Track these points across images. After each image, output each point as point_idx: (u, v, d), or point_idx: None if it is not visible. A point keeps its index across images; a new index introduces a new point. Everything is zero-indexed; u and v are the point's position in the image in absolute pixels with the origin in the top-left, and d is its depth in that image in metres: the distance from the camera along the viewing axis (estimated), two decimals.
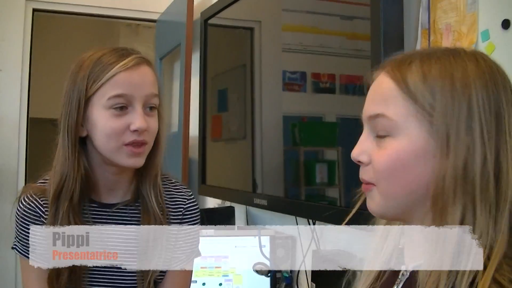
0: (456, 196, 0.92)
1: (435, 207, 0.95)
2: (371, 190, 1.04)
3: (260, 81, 2.91)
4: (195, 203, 1.74)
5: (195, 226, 1.70)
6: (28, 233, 1.59)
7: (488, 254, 0.89)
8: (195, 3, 3.93)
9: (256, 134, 2.91)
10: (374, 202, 1.04)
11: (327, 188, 2.42)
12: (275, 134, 2.76)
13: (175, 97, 4.35)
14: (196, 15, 3.87)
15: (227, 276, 2.55)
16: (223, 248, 2.56)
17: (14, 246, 1.63)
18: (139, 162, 1.57)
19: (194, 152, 3.84)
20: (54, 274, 1.55)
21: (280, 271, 2.63)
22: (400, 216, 1.04)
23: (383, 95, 1.02)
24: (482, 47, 1.64)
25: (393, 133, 0.99)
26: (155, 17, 4.71)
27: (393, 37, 1.81)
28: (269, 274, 2.49)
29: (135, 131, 1.52)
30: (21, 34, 4.37)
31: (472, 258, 0.89)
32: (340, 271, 1.99)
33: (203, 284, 2.53)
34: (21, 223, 1.61)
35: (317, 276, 2.25)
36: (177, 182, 1.76)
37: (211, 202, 3.68)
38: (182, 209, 1.69)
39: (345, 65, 2.27)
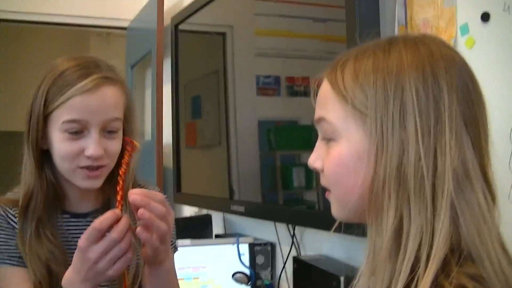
0: (390, 198, 0.89)
1: (371, 211, 0.93)
2: (330, 197, 1.02)
3: (234, 86, 2.88)
4: (166, 199, 1.69)
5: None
6: (3, 239, 1.53)
7: (427, 253, 0.86)
8: (165, 8, 3.86)
9: (231, 140, 2.88)
10: (334, 208, 1.02)
11: (305, 192, 2.39)
12: (250, 139, 2.73)
13: (147, 105, 4.31)
14: (167, 21, 3.82)
15: (205, 287, 2.50)
16: (200, 258, 2.52)
17: None
18: (96, 184, 1.51)
19: (168, 160, 3.80)
20: (41, 276, 1.49)
21: (261, 279, 2.59)
22: (360, 220, 1.00)
23: (323, 99, 1.00)
24: (462, 42, 1.62)
25: (336, 137, 0.97)
26: (125, 24, 4.66)
27: (369, 36, 1.80)
28: (249, 283, 2.45)
29: (89, 157, 1.46)
30: None
31: (406, 261, 0.87)
32: (322, 276, 1.97)
33: None
34: None
35: (299, 282, 2.21)
36: (144, 185, 1.70)
37: (188, 211, 3.65)
38: None
39: (320, 68, 2.24)
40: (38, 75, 1.55)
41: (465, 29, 1.61)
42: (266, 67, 2.62)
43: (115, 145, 1.52)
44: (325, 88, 0.99)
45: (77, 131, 1.46)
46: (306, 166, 2.15)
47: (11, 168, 1.62)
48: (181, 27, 3.55)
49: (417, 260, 0.86)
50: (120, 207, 1.34)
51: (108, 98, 1.49)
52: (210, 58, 3.25)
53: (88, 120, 1.45)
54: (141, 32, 4.31)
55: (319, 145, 1.02)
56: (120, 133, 1.55)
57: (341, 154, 0.95)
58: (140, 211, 1.28)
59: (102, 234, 1.28)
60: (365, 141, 0.92)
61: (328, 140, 0.98)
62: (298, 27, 2.35)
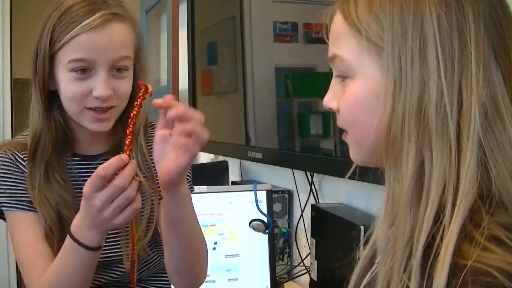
0: (410, 139, 0.83)
1: (389, 154, 0.86)
2: (347, 139, 0.97)
3: (251, 33, 2.84)
4: None
5: None
6: (13, 183, 1.53)
7: (453, 200, 0.79)
8: None
9: (248, 87, 2.85)
10: (352, 151, 0.97)
11: (323, 140, 2.38)
12: (267, 86, 2.71)
13: (163, 51, 4.28)
14: None
15: (222, 234, 2.50)
16: (216, 205, 2.50)
17: (1, 206, 1.55)
18: (105, 127, 1.49)
19: None
20: (51, 221, 1.49)
21: (278, 227, 2.60)
22: (378, 164, 0.93)
23: (336, 34, 0.94)
24: None
25: (351, 74, 0.91)
26: None
27: None
28: (266, 231, 2.45)
29: (97, 97, 1.44)
30: None
31: (429, 209, 0.80)
32: (341, 225, 1.97)
33: None
34: (2, 177, 1.54)
35: (317, 231, 2.21)
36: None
37: (204, 157, 3.65)
38: None
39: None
40: None
41: None
42: (283, 13, 2.58)
43: (124, 85, 1.49)
44: (338, 21, 0.92)
45: (84, 70, 1.43)
46: (323, 113, 2.14)
47: (26, 116, 1.60)
48: None
49: (441, 208, 0.80)
50: (128, 151, 1.30)
51: (116, 35, 1.45)
52: (226, 3, 3.21)
53: (95, 58, 1.42)
54: None
55: (334, 83, 0.97)
56: (130, 72, 1.52)
57: (357, 92, 0.90)
58: (171, 111, 1.21)
59: (107, 180, 1.25)
60: (382, 77, 0.86)
61: (343, 78, 0.93)
62: None
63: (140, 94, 1.34)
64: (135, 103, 1.34)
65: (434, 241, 0.79)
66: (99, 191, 1.25)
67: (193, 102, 3.52)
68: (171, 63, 3.85)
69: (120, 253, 1.58)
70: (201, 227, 1.52)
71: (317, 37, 2.26)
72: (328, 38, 0.97)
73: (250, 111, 2.87)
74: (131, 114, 1.33)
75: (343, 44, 0.91)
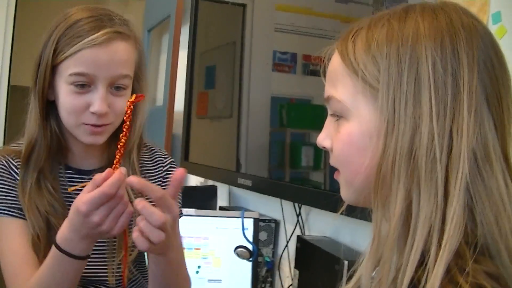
0: (399, 180, 0.83)
1: (377, 193, 0.86)
2: (339, 178, 0.97)
3: (250, 59, 2.86)
4: (174, 163, 1.72)
5: None
6: (4, 190, 1.53)
7: (438, 243, 0.79)
8: None
9: (242, 113, 2.86)
10: (342, 190, 0.98)
11: (313, 172, 2.38)
12: (262, 114, 2.72)
13: (162, 70, 4.30)
14: None
15: (206, 258, 2.50)
16: (203, 229, 2.51)
17: None
18: (99, 140, 1.50)
19: (178, 127, 3.79)
20: (39, 229, 1.49)
21: (262, 256, 2.59)
22: (369, 204, 0.92)
23: (332, 74, 0.95)
24: (493, 30, 1.55)
25: (345, 115, 0.92)
26: None
27: None
28: (250, 259, 2.45)
29: (93, 113, 1.45)
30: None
31: (414, 250, 0.80)
32: (325, 259, 1.97)
33: None
34: None
35: (301, 262, 2.21)
36: (155, 148, 1.72)
37: (193, 180, 3.65)
38: (161, 171, 1.68)
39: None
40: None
41: (497, 17, 1.56)
42: (283, 43, 2.59)
43: (121, 102, 1.49)
44: (335, 61, 0.94)
45: (84, 84, 1.44)
46: (315, 146, 2.15)
47: (21, 123, 1.60)
48: None
49: (427, 250, 0.80)
50: (118, 165, 1.31)
51: (119, 53, 1.47)
52: (228, 29, 3.23)
53: (95, 74, 1.43)
54: None
55: (329, 123, 0.97)
56: (129, 91, 1.53)
57: (351, 133, 0.90)
58: (138, 202, 1.24)
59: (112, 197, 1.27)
60: (376, 118, 0.86)
61: (338, 117, 0.93)
62: (319, 6, 2.33)
63: (128, 101, 1.36)
64: (125, 116, 1.35)
65: (419, 284, 0.79)
66: (98, 208, 1.26)
67: (187, 124, 3.52)
68: (169, 83, 3.86)
69: (105, 269, 1.58)
70: (185, 249, 1.54)
71: (315, 69, 2.28)
72: (325, 77, 0.98)
73: (243, 138, 2.88)
74: (123, 128, 1.35)
75: (340, 86, 0.92)
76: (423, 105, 0.82)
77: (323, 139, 0.98)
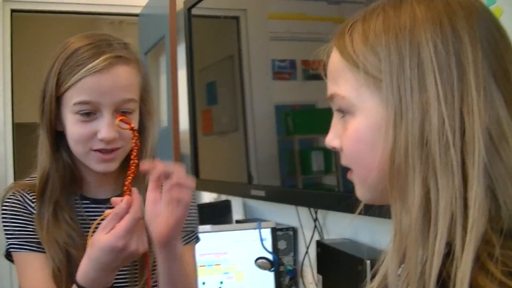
0: (414, 169, 0.80)
1: (394, 186, 0.83)
2: (352, 177, 0.94)
3: (249, 71, 2.87)
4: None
5: (192, 206, 1.67)
6: (21, 224, 1.52)
7: (462, 229, 0.76)
8: None
9: (248, 125, 2.87)
10: (357, 188, 0.94)
11: (325, 176, 2.38)
12: (267, 124, 2.72)
13: (163, 92, 4.30)
14: (180, 6, 3.80)
15: (227, 273, 2.49)
16: (221, 244, 2.50)
17: (9, 248, 1.53)
18: (111, 167, 1.49)
19: (185, 146, 3.80)
20: (59, 261, 1.48)
21: (283, 265, 2.59)
22: (385, 200, 0.89)
23: (333, 72, 0.92)
24: None
25: (351, 110, 0.88)
26: (137, 11, 4.65)
27: None
28: (272, 269, 2.45)
29: (101, 140, 1.44)
30: (0, 36, 4.30)
31: (438, 240, 0.77)
32: (347, 261, 1.96)
33: (203, 283, 2.45)
34: (11, 218, 1.53)
35: (323, 267, 2.21)
36: None
37: (207, 197, 3.65)
38: None
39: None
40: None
41: None
42: (281, 51, 2.60)
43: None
44: (335, 58, 0.90)
45: (89, 112, 1.43)
46: (325, 149, 2.15)
47: (29, 160, 1.59)
48: (194, 11, 3.53)
49: (452, 239, 0.77)
50: (128, 191, 1.34)
51: (121, 78, 1.45)
52: (224, 43, 3.24)
53: (99, 101, 1.42)
54: (154, 18, 4.31)
55: (335, 122, 0.94)
56: (136, 115, 1.52)
57: (358, 128, 0.87)
58: (155, 171, 1.29)
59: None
60: (383, 110, 0.84)
61: (343, 114, 0.91)
62: (311, 10, 2.34)
63: (132, 135, 1.39)
64: (132, 145, 1.38)
65: (449, 275, 0.76)
66: (131, 235, 1.30)
67: (194, 142, 3.53)
68: (171, 104, 3.87)
69: None
70: (206, 267, 1.54)
71: (315, 73, 2.28)
72: (326, 77, 0.95)
73: (251, 149, 2.89)
74: (131, 156, 1.37)
75: (341, 82, 0.90)
76: (429, 89, 0.80)
77: (331, 139, 0.95)
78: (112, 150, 1.46)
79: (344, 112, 0.91)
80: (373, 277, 1.00)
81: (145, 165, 1.30)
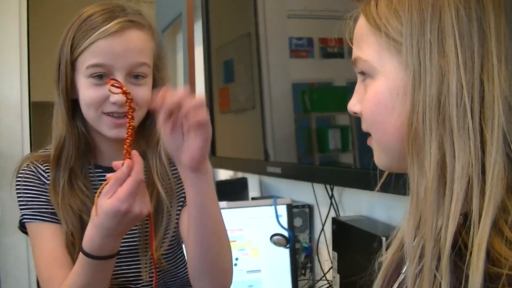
0: (431, 132, 0.82)
1: (411, 149, 0.85)
2: (372, 143, 0.96)
3: (267, 49, 2.86)
4: None
5: None
6: (34, 195, 1.55)
7: (480, 194, 0.78)
8: None
9: (265, 103, 2.86)
10: (376, 154, 0.96)
11: (342, 154, 2.38)
12: (285, 102, 2.72)
13: (180, 70, 4.30)
14: None
15: (243, 250, 2.50)
16: (237, 221, 2.51)
17: (22, 219, 1.56)
18: (123, 133, 1.46)
19: None
20: (73, 227, 1.51)
21: (299, 242, 2.60)
22: (403, 167, 0.91)
23: (358, 36, 0.94)
24: None
25: (372, 74, 0.91)
26: None
27: None
28: (288, 246, 2.45)
29: (114, 103, 1.46)
30: (17, 15, 4.31)
31: (454, 203, 0.79)
32: (363, 238, 1.96)
33: None
34: (24, 189, 1.56)
35: (339, 244, 2.21)
36: None
37: (223, 174, 3.66)
38: None
39: (341, 27, 2.21)
40: None
41: None
42: (298, 29, 2.59)
43: (142, 92, 1.50)
44: (360, 23, 0.93)
45: (102, 75, 1.45)
46: (342, 127, 2.15)
47: (45, 138, 1.63)
48: None
49: (468, 202, 0.79)
50: (128, 154, 1.33)
51: (133, 41, 1.47)
52: (241, 21, 3.23)
53: (112, 64, 1.44)
54: None
55: (358, 87, 0.96)
56: (149, 80, 1.54)
57: (378, 91, 0.89)
58: (169, 100, 1.24)
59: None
60: (402, 73, 0.86)
61: (365, 78, 0.93)
62: None
63: (126, 100, 1.39)
64: (127, 108, 1.38)
65: (464, 242, 0.78)
66: (135, 197, 1.30)
67: (210, 120, 3.52)
68: (188, 82, 3.87)
69: (138, 267, 1.59)
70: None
71: (333, 51, 2.27)
72: (351, 43, 0.97)
73: (268, 127, 2.88)
74: (127, 119, 1.37)
75: (364, 45, 0.92)
76: (449, 54, 0.81)
77: (353, 104, 0.97)
78: (124, 115, 1.46)
79: (365, 75, 0.92)
80: (387, 249, 1.01)
81: (155, 99, 1.25)
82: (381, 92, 0.89)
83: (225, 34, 3.45)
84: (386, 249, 1.04)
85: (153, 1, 4.86)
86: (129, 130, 1.36)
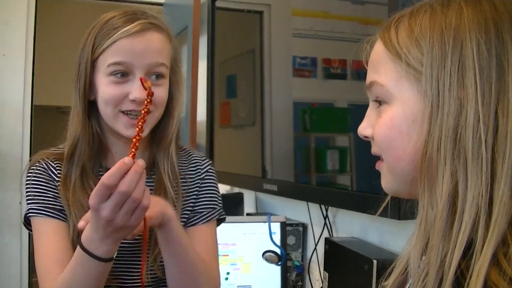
0: (446, 161, 0.82)
1: (423, 176, 0.86)
2: (381, 167, 0.97)
3: (270, 66, 2.87)
4: (212, 165, 1.77)
5: (214, 183, 1.75)
6: (42, 190, 1.57)
7: (485, 225, 0.79)
8: None
9: (265, 120, 2.87)
10: (384, 178, 0.97)
11: (339, 176, 2.39)
12: (285, 120, 2.73)
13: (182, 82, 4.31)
14: None
15: (235, 264, 2.51)
16: (231, 235, 2.52)
17: (27, 213, 1.57)
18: None
19: (201, 138, 3.80)
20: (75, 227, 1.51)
21: (291, 260, 2.60)
22: (411, 192, 0.94)
23: (375, 61, 0.95)
24: None
25: (388, 100, 0.92)
26: (162, 0, 4.66)
27: None
28: (279, 263, 2.46)
29: (133, 100, 1.49)
30: (25, 17, 4.34)
31: (462, 231, 0.80)
32: (354, 259, 1.97)
33: None
34: (33, 185, 1.58)
35: (330, 264, 2.21)
36: (192, 152, 1.77)
37: (220, 188, 3.65)
38: (199, 173, 1.72)
39: (357, 50, 2.22)
40: (74, 50, 1.59)
41: None
42: (302, 48, 2.60)
43: (160, 92, 1.54)
44: (378, 48, 0.94)
45: (122, 74, 1.49)
46: (340, 149, 2.16)
47: (46, 142, 1.67)
48: (218, 3, 3.54)
49: (474, 232, 0.80)
50: (132, 153, 1.31)
51: (154, 42, 1.52)
52: (246, 37, 3.25)
53: (132, 62, 1.49)
54: (178, 8, 4.32)
55: (370, 111, 0.98)
56: (167, 81, 1.58)
57: (394, 117, 0.90)
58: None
59: (113, 189, 1.27)
60: (420, 101, 0.87)
61: (380, 104, 0.94)
62: (335, 9, 2.34)
63: (147, 94, 1.41)
64: (145, 104, 1.39)
65: (467, 267, 0.79)
66: (105, 202, 1.27)
67: (210, 134, 3.54)
68: (190, 94, 3.88)
69: (135, 272, 1.60)
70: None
71: (336, 72, 2.29)
72: (367, 66, 0.98)
73: (267, 144, 2.89)
74: (142, 113, 1.37)
75: (382, 70, 0.92)
76: (468, 87, 0.82)
77: (364, 128, 0.98)
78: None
79: (380, 102, 0.94)
80: (388, 275, 1.01)
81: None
82: (396, 117, 0.90)
83: (230, 49, 3.46)
84: (389, 274, 1.04)
85: (160, 12, 4.88)
86: (140, 125, 1.35)
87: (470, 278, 0.77)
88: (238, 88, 3.31)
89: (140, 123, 1.35)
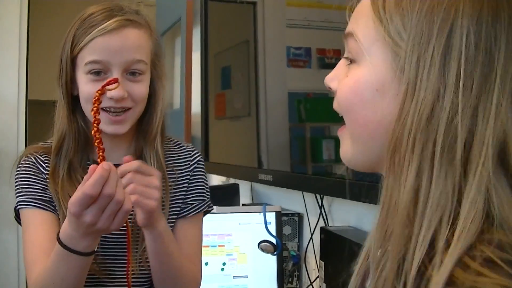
0: (413, 151, 0.75)
1: (392, 158, 0.79)
2: (343, 133, 0.90)
3: (264, 57, 2.87)
4: (201, 156, 1.78)
5: (203, 175, 1.76)
6: (30, 182, 1.58)
7: (451, 231, 0.72)
8: None
9: (261, 111, 2.87)
10: (343, 146, 0.91)
11: (335, 165, 2.38)
12: (280, 110, 2.73)
13: (177, 74, 4.31)
14: None
15: (231, 255, 2.51)
16: (226, 226, 2.52)
17: (16, 206, 1.59)
18: (121, 129, 1.55)
19: (196, 129, 3.81)
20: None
21: (287, 250, 2.60)
22: (372, 167, 0.88)
23: (360, 12, 0.86)
24: None
25: (359, 59, 0.84)
26: None
27: None
28: (275, 253, 2.46)
29: (111, 98, 1.49)
30: (18, 13, 4.33)
31: (423, 231, 0.73)
32: (350, 248, 1.97)
33: (206, 263, 2.45)
34: (22, 179, 1.60)
35: (326, 253, 2.22)
36: (182, 143, 1.78)
37: (215, 180, 3.66)
38: (189, 165, 1.72)
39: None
40: None
41: None
42: (296, 38, 2.60)
43: (139, 88, 1.55)
44: (364, 2, 0.86)
45: (100, 72, 1.50)
46: (336, 139, 2.16)
47: (41, 137, 1.68)
48: None
49: (437, 232, 0.73)
50: (100, 156, 1.33)
51: (130, 39, 1.52)
52: (240, 28, 3.24)
53: (109, 60, 1.49)
54: (171, 0, 4.31)
55: (341, 64, 0.90)
56: (146, 77, 1.58)
57: (358, 80, 0.84)
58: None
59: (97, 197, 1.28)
60: (391, 73, 0.80)
61: (350, 63, 0.86)
62: None
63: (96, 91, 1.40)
64: (94, 98, 1.39)
65: (427, 268, 0.72)
66: (87, 208, 1.28)
67: (205, 126, 3.54)
68: (184, 87, 3.88)
69: (120, 266, 1.60)
70: (209, 247, 1.59)
71: (330, 62, 2.28)
72: (348, 18, 0.90)
73: (262, 135, 2.89)
74: (93, 114, 1.37)
75: (362, 25, 0.85)
76: (450, 76, 0.74)
77: (331, 79, 0.92)
78: (123, 112, 1.52)
79: (351, 59, 0.87)
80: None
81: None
82: (361, 82, 0.84)
83: (224, 40, 3.46)
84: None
85: (154, 4, 4.87)
86: (95, 132, 1.35)
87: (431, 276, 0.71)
88: (233, 79, 3.31)
89: (94, 124, 1.35)
